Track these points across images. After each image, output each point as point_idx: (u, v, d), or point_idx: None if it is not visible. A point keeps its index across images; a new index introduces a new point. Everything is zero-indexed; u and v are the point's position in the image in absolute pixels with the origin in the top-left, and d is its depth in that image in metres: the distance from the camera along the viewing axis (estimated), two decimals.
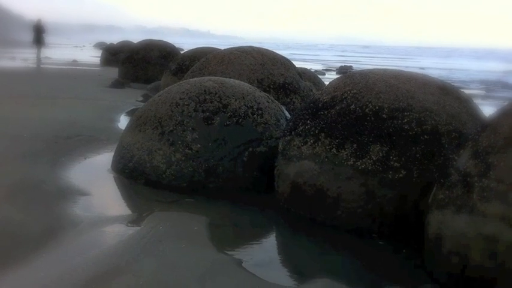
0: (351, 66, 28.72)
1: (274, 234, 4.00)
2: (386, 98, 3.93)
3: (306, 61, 34.10)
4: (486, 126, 2.99)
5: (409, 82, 4.11)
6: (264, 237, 3.90)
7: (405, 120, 3.79)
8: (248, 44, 7.98)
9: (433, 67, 32.83)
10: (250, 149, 4.68)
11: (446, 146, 3.71)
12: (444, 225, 2.87)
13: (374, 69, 4.49)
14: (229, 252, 3.37)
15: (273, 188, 4.39)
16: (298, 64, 8.59)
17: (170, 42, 16.24)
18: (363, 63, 36.03)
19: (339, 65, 31.22)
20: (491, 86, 20.19)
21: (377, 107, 3.89)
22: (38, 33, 21.55)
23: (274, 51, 7.45)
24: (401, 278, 3.15)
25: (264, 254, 3.53)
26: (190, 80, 5.47)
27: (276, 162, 4.36)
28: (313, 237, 3.74)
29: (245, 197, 4.47)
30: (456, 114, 3.92)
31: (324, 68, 27.69)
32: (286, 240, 3.87)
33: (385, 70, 4.41)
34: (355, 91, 4.08)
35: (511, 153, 2.67)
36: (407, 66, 28.86)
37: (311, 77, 9.69)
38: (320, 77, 11.39)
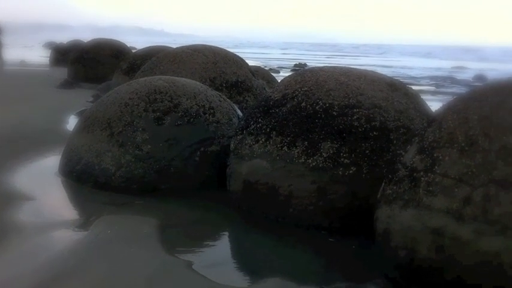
0: (305, 64, 28.95)
1: (227, 234, 3.96)
2: (336, 95, 3.96)
3: (261, 59, 34.19)
4: (432, 121, 3.05)
5: (358, 79, 4.15)
6: (216, 237, 3.86)
7: (355, 117, 3.82)
8: (200, 42, 7.90)
9: (385, 65, 33.50)
10: (202, 149, 4.63)
11: (395, 141, 3.76)
12: (392, 219, 2.90)
13: (324, 66, 4.51)
14: (179, 254, 3.31)
15: (225, 187, 4.35)
16: (252, 62, 8.57)
17: (123, 41, 15.89)
18: (317, 61, 36.40)
19: (293, 63, 31.41)
20: (441, 82, 20.77)
21: (327, 104, 3.91)
22: None
23: (229, 49, 7.41)
24: (353, 273, 3.17)
25: (216, 254, 3.50)
26: (140, 79, 5.35)
27: (228, 161, 4.33)
28: (266, 235, 3.72)
29: (197, 196, 4.42)
30: (404, 110, 3.99)
31: (279, 66, 27.80)
32: (239, 239, 3.84)
33: (335, 67, 4.44)
34: (305, 89, 4.09)
35: (455, 147, 2.72)
36: (360, 64, 29.34)
37: (265, 75, 9.69)
38: (274, 75, 11.39)
